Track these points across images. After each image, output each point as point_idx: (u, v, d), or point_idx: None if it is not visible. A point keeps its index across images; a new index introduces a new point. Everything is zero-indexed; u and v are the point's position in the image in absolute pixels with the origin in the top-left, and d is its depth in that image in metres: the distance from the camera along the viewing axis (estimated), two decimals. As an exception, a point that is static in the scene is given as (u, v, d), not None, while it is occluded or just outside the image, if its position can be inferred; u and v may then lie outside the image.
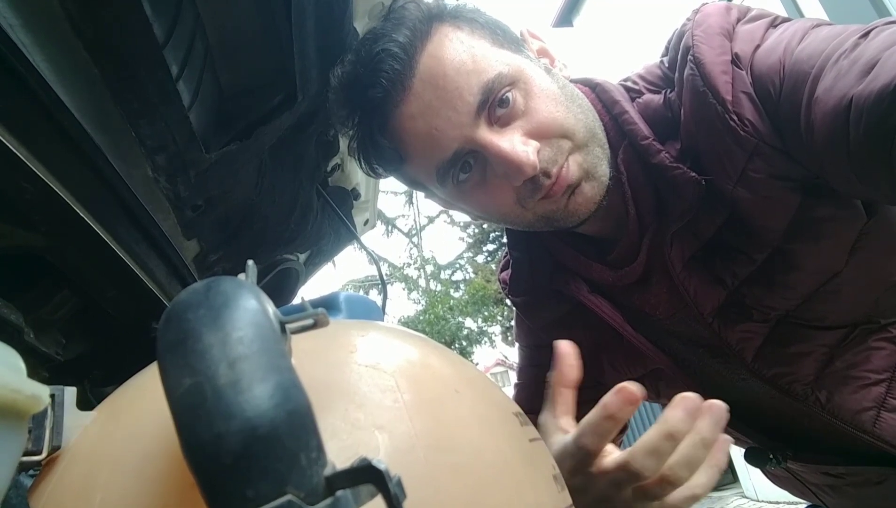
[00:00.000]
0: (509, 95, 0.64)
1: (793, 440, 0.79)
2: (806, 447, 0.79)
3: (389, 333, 0.40)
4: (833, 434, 0.73)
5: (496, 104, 0.63)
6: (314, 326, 0.28)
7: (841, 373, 0.69)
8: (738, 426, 0.81)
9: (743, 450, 0.86)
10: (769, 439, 0.81)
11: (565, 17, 6.40)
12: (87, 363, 0.83)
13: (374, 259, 1.41)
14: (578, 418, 0.56)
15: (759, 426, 0.81)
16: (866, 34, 0.53)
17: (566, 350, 0.57)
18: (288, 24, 0.69)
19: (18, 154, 0.52)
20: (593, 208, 0.68)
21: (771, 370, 0.71)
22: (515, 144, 0.63)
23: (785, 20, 0.64)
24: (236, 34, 0.77)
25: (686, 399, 0.51)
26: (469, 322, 15.46)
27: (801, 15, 2.89)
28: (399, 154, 0.69)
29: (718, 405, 0.51)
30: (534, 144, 0.63)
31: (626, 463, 0.50)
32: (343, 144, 1.07)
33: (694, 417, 0.50)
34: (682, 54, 0.65)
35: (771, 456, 0.80)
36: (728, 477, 6.03)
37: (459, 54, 0.64)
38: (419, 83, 0.64)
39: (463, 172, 0.67)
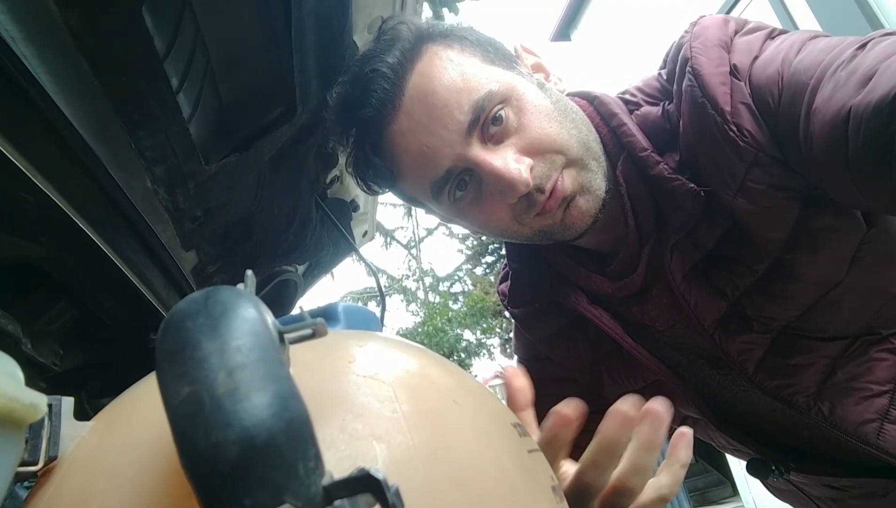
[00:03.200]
0: (502, 112, 0.64)
1: (795, 452, 0.79)
2: (808, 458, 0.78)
3: (388, 343, 0.39)
4: (836, 446, 0.72)
5: (489, 122, 0.64)
6: (312, 336, 0.28)
7: (843, 385, 0.69)
8: (739, 437, 0.80)
9: (744, 462, 0.86)
10: (771, 450, 0.81)
11: (563, 32, 6.43)
12: (85, 374, 0.83)
13: (373, 271, 1.41)
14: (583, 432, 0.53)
15: (761, 438, 0.81)
16: (863, 45, 0.53)
17: (510, 373, 0.53)
18: (288, 37, 0.70)
19: (18, 165, 0.52)
20: (589, 222, 0.68)
21: (772, 381, 0.71)
22: (508, 161, 0.63)
23: (782, 32, 0.65)
24: (237, 47, 0.78)
25: (617, 411, 0.48)
26: (468, 334, 15.43)
27: (796, 27, 2.92)
28: (392, 172, 0.69)
29: (656, 409, 0.48)
30: (527, 161, 0.63)
31: (578, 477, 0.48)
32: (342, 156, 1.08)
33: (629, 425, 0.48)
34: (680, 66, 0.65)
35: (773, 468, 0.79)
36: (728, 491, 5.99)
37: (449, 72, 0.64)
38: (409, 101, 0.64)
39: (459, 190, 0.67)
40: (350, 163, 0.74)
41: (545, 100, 0.67)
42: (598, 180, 0.68)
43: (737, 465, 4.79)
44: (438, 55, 0.66)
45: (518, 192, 0.63)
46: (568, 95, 0.73)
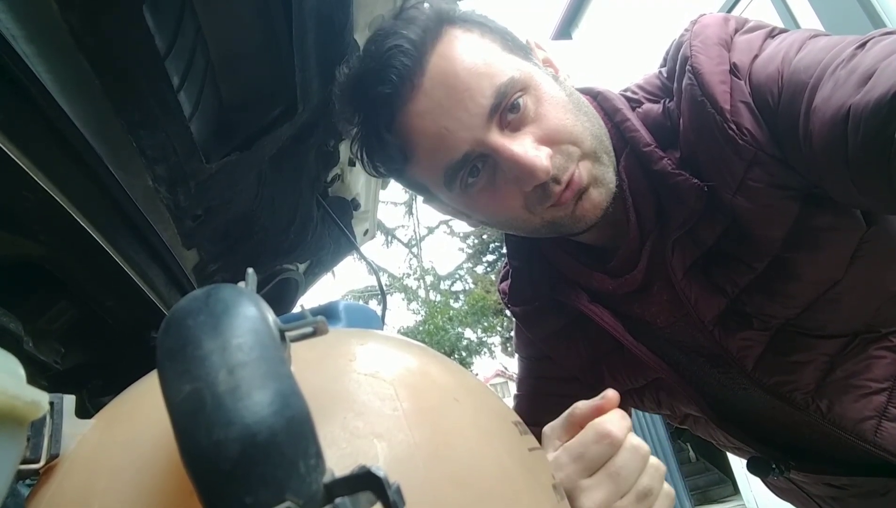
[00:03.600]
0: (520, 100, 0.64)
1: (795, 451, 0.79)
2: (808, 457, 0.78)
3: (389, 342, 0.40)
4: (835, 444, 0.73)
5: (507, 109, 0.63)
6: (314, 334, 0.28)
7: (841, 382, 0.69)
8: (739, 435, 0.81)
9: (745, 461, 0.86)
10: (771, 448, 0.81)
11: (564, 30, 6.42)
12: (86, 372, 0.83)
13: (374, 270, 1.41)
14: None
15: (761, 437, 0.81)
16: (863, 45, 0.53)
17: (611, 396, 0.57)
18: (289, 36, 0.70)
19: (20, 163, 0.52)
20: (600, 214, 0.67)
21: (771, 378, 0.71)
22: (528, 148, 0.63)
23: (782, 31, 0.65)
24: (237, 46, 0.78)
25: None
26: (469, 333, 15.45)
27: (798, 26, 2.91)
28: (404, 153, 0.68)
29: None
30: (546, 149, 0.63)
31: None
32: (343, 154, 1.08)
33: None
34: (680, 64, 0.65)
35: (773, 466, 0.79)
36: (728, 489, 5.99)
37: (471, 56, 0.64)
38: (429, 81, 0.63)
39: (471, 176, 0.67)
40: (357, 142, 0.72)
41: (561, 92, 0.67)
42: (609, 174, 0.68)
43: (737, 463, 4.79)
44: (459, 38, 0.65)
45: (537, 179, 0.62)
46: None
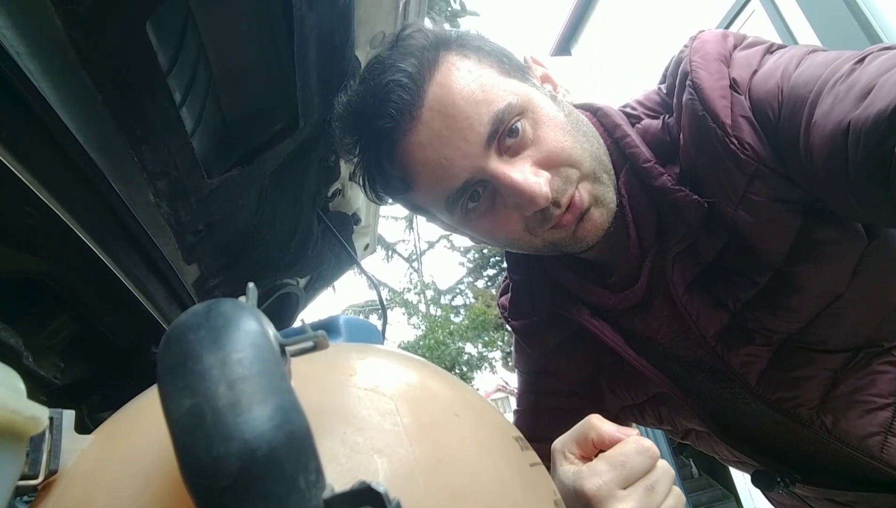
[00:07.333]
0: (518, 125, 0.64)
1: (800, 467, 0.78)
2: (814, 471, 0.78)
3: (389, 356, 0.39)
4: (841, 460, 0.72)
5: (505, 134, 0.64)
6: (314, 348, 0.28)
7: (845, 397, 0.69)
8: (743, 448, 0.80)
9: (748, 476, 0.85)
10: (776, 461, 0.80)
11: (563, 46, 6.46)
12: (86, 387, 0.83)
13: (375, 284, 1.41)
14: None
15: (765, 452, 0.80)
16: (862, 60, 0.53)
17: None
18: (290, 52, 0.71)
19: (22, 179, 0.52)
20: (601, 235, 0.67)
21: (775, 393, 0.71)
22: (527, 175, 0.63)
23: (780, 47, 0.65)
24: (239, 62, 0.79)
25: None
26: (469, 348, 15.41)
27: (795, 41, 2.93)
28: (406, 182, 0.68)
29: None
30: (545, 174, 0.63)
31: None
32: (344, 169, 1.08)
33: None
34: (680, 80, 0.65)
35: (779, 479, 0.79)
36: (732, 506, 5.93)
37: (468, 83, 0.64)
38: (428, 112, 0.64)
39: (472, 201, 0.67)
40: (359, 172, 0.73)
41: (559, 113, 0.67)
42: (610, 193, 0.68)
43: (741, 479, 4.75)
44: (456, 65, 0.65)
45: (537, 205, 0.63)
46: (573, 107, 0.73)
